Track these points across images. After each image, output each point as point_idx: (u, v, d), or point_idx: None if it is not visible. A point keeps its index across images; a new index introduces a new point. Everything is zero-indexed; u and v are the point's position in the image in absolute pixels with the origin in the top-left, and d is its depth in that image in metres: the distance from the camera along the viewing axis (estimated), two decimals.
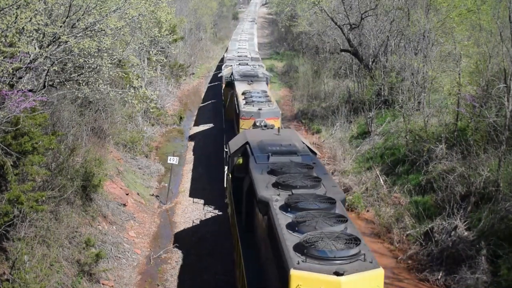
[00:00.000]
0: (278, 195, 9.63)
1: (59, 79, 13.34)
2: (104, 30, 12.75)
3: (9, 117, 10.51)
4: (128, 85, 17.87)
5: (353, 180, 20.37)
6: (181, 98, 36.86)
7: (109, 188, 18.06)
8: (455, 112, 18.87)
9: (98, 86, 13.92)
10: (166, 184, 21.32)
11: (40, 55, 11.46)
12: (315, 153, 12.98)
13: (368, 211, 18.47)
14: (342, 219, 8.37)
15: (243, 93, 21.19)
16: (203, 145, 27.08)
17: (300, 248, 7.64)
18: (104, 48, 13.24)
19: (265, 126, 17.39)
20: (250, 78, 23.97)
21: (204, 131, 29.66)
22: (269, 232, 9.41)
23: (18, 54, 10.88)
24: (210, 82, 42.48)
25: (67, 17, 12.27)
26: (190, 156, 25.60)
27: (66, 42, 11.92)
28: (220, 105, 30.27)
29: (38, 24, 11.08)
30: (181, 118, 32.02)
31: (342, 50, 31.88)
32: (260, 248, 10.65)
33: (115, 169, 20.01)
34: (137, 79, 16.81)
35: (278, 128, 15.26)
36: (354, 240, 7.60)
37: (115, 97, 17.28)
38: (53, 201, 13.41)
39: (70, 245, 13.59)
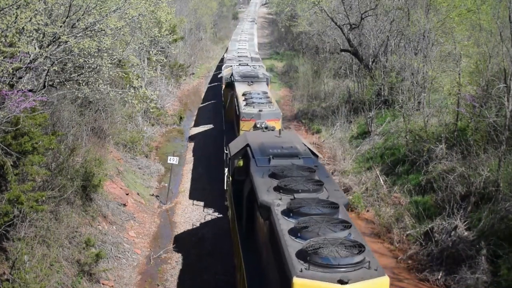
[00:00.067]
0: (280, 199, 9.43)
1: (59, 79, 13.34)
2: (104, 30, 12.75)
3: (9, 117, 10.51)
4: (128, 85, 17.87)
5: (353, 180, 20.37)
6: (181, 98, 36.86)
7: (109, 188, 18.06)
8: (455, 112, 18.87)
9: (98, 86, 13.91)
10: (166, 184, 21.32)
11: (40, 55, 11.46)
12: (316, 156, 12.77)
13: (368, 211, 18.47)
14: (345, 224, 8.18)
15: (243, 94, 21.01)
16: (203, 145, 27.07)
17: (303, 255, 7.46)
18: (104, 48, 13.24)
19: (266, 128, 17.19)
20: (250, 78, 23.75)
21: (203, 132, 29.62)
22: (270, 237, 9.26)
23: (18, 54, 10.88)
24: (210, 83, 42.45)
25: (67, 17, 12.28)
26: (190, 156, 25.60)
27: (66, 42, 11.92)
28: (220, 106, 30.19)
29: (38, 24, 11.08)
30: (181, 118, 32.01)
31: (342, 50, 31.89)
32: (261, 253, 10.50)
33: (115, 169, 20.01)
34: (137, 79, 16.81)
35: (279, 130, 15.00)
36: (359, 247, 7.43)
37: (115, 97, 17.27)
38: (53, 201, 13.41)
39: (70, 245, 13.59)
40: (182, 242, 16.87)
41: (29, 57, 11.31)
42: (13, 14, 10.55)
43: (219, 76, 30.35)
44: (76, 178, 15.00)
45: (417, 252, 15.20)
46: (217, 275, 14.82)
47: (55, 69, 12.45)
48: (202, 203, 19.81)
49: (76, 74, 13.53)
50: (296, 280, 7.12)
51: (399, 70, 24.52)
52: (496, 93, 16.95)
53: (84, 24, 12.29)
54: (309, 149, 12.84)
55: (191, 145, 27.36)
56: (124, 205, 18.05)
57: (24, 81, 12.03)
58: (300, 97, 35.02)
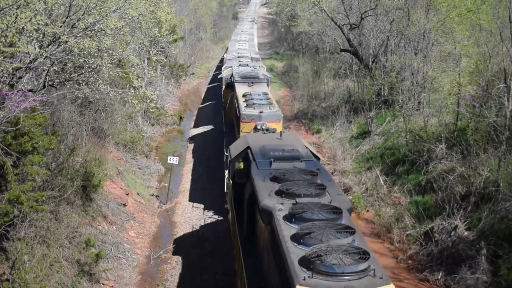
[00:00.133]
0: (282, 204, 9.25)
1: (59, 79, 13.34)
2: (104, 30, 12.75)
3: (9, 117, 10.51)
4: (128, 85, 17.86)
5: (353, 180, 20.38)
6: (181, 98, 36.87)
7: (109, 188, 18.06)
8: (455, 112, 18.87)
9: (98, 86, 13.91)
10: (166, 184, 21.32)
11: (40, 55, 11.46)
12: (318, 158, 12.59)
13: (368, 211, 18.47)
14: (349, 230, 8.00)
15: (244, 95, 20.76)
16: (203, 146, 27.07)
17: (306, 262, 7.26)
18: (104, 48, 13.23)
19: (267, 130, 16.92)
20: (250, 79, 23.49)
21: (203, 132, 29.58)
22: (272, 242, 9.11)
23: (18, 54, 10.88)
24: (210, 83, 42.39)
25: (67, 17, 12.28)
26: (190, 157, 25.60)
27: (66, 42, 11.92)
28: (220, 106, 30.12)
29: (38, 24, 11.08)
30: (181, 118, 32.01)
31: (342, 50, 31.88)
32: (262, 257, 10.37)
33: (115, 169, 20.01)
34: (137, 79, 16.80)
35: (280, 132, 14.78)
36: (363, 254, 7.25)
37: (115, 97, 17.27)
38: (53, 201, 13.41)
39: (70, 245, 13.59)
40: (182, 242, 16.87)
41: (29, 57, 11.31)
42: (13, 14, 10.55)
43: (219, 77, 30.24)
44: (76, 178, 15.00)
45: (417, 252, 15.20)
46: (217, 275, 14.81)
47: (55, 69, 12.44)
48: (202, 203, 19.81)
49: (76, 74, 13.53)
50: None
51: (399, 70, 24.53)
52: (496, 93, 16.95)
53: (84, 24, 12.29)
54: (311, 151, 12.66)
55: (191, 145, 27.36)
56: (124, 205, 18.06)
57: (24, 81, 12.03)
58: (300, 97, 35.03)
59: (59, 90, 14.63)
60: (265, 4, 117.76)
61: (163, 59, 27.17)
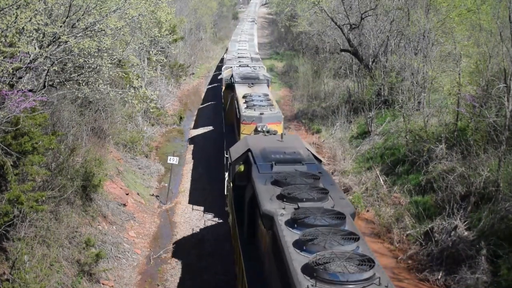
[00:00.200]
0: (283, 208, 9.04)
1: (59, 79, 13.34)
2: (104, 30, 12.75)
3: (9, 117, 10.51)
4: (128, 85, 17.85)
5: (353, 180, 20.38)
6: (181, 98, 36.86)
7: (109, 188, 18.06)
8: (455, 112, 18.87)
9: (98, 86, 13.90)
10: (166, 184, 21.32)
11: (40, 55, 11.46)
12: (320, 161, 12.38)
13: (368, 211, 18.47)
14: (353, 237, 7.80)
15: (244, 96, 20.57)
16: (203, 146, 27.06)
17: (309, 270, 7.08)
18: (104, 48, 13.23)
19: (268, 131, 16.69)
20: (250, 80, 23.28)
21: (203, 133, 29.52)
22: (273, 248, 8.93)
23: (18, 54, 10.88)
24: (210, 83, 42.32)
25: (67, 17, 12.28)
26: (190, 157, 25.60)
27: (66, 42, 11.92)
28: (219, 107, 30.05)
29: (38, 24, 11.08)
30: (181, 118, 32.00)
31: (342, 50, 31.88)
32: (263, 261, 10.21)
33: (115, 169, 20.01)
34: (137, 79, 16.79)
35: (282, 134, 14.52)
36: (368, 262, 7.04)
37: (115, 97, 17.26)
38: (53, 201, 13.41)
39: (70, 245, 13.59)
40: (182, 242, 16.87)
41: (29, 57, 11.31)
42: (13, 14, 10.55)
43: (219, 77, 30.13)
44: (76, 178, 15.00)
45: (417, 252, 15.20)
46: (217, 275, 14.81)
47: (55, 69, 12.44)
48: (202, 203, 19.80)
49: (76, 74, 13.53)
50: None
51: (399, 70, 24.53)
52: (496, 93, 16.95)
53: (84, 24, 12.29)
54: (313, 154, 12.49)
55: (191, 145, 27.35)
56: (124, 205, 18.05)
57: (24, 81, 12.03)
58: (300, 97, 35.02)
59: (59, 90, 14.63)
60: (265, 4, 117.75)
61: (163, 59, 27.14)
